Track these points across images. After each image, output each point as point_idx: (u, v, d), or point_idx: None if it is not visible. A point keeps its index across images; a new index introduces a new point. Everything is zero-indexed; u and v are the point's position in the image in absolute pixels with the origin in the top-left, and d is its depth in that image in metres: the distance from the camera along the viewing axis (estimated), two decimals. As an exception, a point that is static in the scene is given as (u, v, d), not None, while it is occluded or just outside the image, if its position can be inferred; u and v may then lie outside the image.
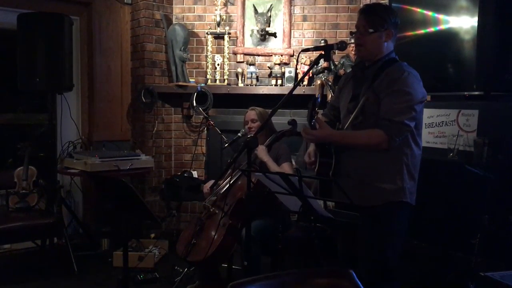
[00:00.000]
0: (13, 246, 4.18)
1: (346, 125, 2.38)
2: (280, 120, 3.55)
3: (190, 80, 4.66)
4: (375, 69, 2.34)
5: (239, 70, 4.62)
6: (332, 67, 4.38)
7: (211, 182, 3.36)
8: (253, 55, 4.70)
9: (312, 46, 2.50)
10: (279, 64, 4.57)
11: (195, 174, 4.73)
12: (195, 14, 4.78)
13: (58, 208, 3.97)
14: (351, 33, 4.27)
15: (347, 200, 1.90)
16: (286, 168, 3.21)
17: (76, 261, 3.80)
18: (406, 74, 2.26)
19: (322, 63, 4.27)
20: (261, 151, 3.20)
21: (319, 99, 2.38)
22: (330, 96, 4.25)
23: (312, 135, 2.34)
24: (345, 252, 2.58)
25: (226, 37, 4.61)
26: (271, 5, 4.64)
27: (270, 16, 4.64)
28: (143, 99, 4.60)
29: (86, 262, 3.97)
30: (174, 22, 4.75)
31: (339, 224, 2.48)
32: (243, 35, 4.72)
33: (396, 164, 2.30)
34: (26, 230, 3.63)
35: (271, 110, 2.44)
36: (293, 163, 3.46)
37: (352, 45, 4.08)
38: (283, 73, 4.56)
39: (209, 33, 4.64)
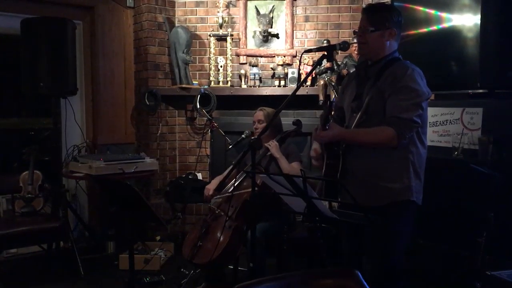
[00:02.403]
0: (19, 250, 4.19)
1: (353, 125, 2.38)
2: (284, 120, 3.55)
3: (193, 82, 4.67)
4: (379, 68, 2.34)
5: (242, 71, 4.62)
6: (335, 67, 4.37)
7: (213, 184, 3.37)
8: (256, 56, 4.69)
9: (315, 47, 2.50)
10: (282, 65, 4.56)
11: (199, 176, 4.73)
12: (197, 16, 4.79)
13: (64, 212, 3.99)
14: (354, 32, 4.27)
15: (352, 201, 1.90)
16: (296, 167, 3.22)
17: (82, 264, 3.81)
18: (411, 71, 2.26)
19: (325, 63, 4.26)
20: (274, 147, 3.21)
21: (334, 101, 2.39)
22: (333, 96, 4.25)
23: (324, 136, 2.34)
24: (350, 253, 2.58)
25: (228, 38, 4.61)
26: (273, 6, 4.64)
27: (272, 17, 4.64)
28: (147, 102, 4.61)
29: (92, 265, 3.98)
30: (176, 24, 4.76)
31: (344, 225, 2.48)
32: (245, 36, 4.73)
33: (402, 163, 2.30)
34: (32, 235, 3.64)
35: (274, 111, 2.45)
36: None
37: (355, 45, 4.07)
38: (286, 74, 4.55)
39: (211, 35, 4.65)
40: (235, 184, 3.12)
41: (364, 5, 4.48)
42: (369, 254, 2.41)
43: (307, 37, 4.69)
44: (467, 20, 3.12)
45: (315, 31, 4.67)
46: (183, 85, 4.58)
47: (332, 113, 2.37)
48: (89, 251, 4.25)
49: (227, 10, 4.69)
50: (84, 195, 4.68)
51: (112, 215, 4.25)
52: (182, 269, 3.68)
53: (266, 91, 4.52)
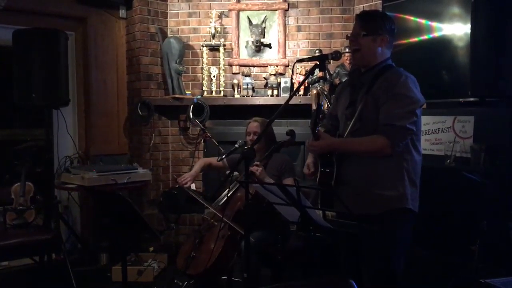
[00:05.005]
0: (11, 263, 4.14)
1: (346, 132, 2.38)
2: (277, 130, 3.55)
3: (186, 92, 4.67)
4: (372, 75, 2.35)
5: (235, 81, 4.63)
6: (328, 77, 4.39)
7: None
8: (249, 66, 4.72)
9: (307, 56, 2.52)
10: (274, 75, 4.58)
11: (193, 186, 4.70)
12: (190, 27, 4.81)
13: (56, 223, 3.95)
14: (347, 37, 4.28)
15: (346, 210, 1.89)
16: (290, 183, 3.19)
17: (75, 276, 3.76)
18: (404, 78, 2.27)
19: (317, 72, 4.29)
20: (262, 174, 3.13)
21: (322, 106, 2.39)
22: (326, 106, 4.26)
23: (315, 147, 2.34)
24: (348, 262, 2.56)
25: (221, 49, 4.62)
26: (265, 16, 4.66)
27: (264, 27, 4.67)
28: (140, 112, 4.60)
29: (85, 278, 3.93)
30: (169, 35, 4.76)
31: (340, 234, 2.47)
32: (238, 46, 4.74)
33: (396, 171, 2.29)
34: (24, 247, 3.59)
35: (267, 121, 2.45)
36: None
37: (347, 54, 4.10)
38: (279, 84, 4.57)
39: (204, 45, 4.66)
40: (229, 194, 3.12)
41: (355, 15, 4.52)
42: (367, 262, 2.39)
43: (299, 46, 4.71)
44: (457, 29, 3.16)
45: (307, 41, 4.70)
46: (176, 95, 4.58)
47: (321, 116, 2.35)
48: (82, 263, 4.20)
49: (220, 21, 4.71)
50: (77, 207, 4.64)
51: (105, 226, 4.22)
52: (175, 281, 3.65)
53: (259, 100, 4.53)
